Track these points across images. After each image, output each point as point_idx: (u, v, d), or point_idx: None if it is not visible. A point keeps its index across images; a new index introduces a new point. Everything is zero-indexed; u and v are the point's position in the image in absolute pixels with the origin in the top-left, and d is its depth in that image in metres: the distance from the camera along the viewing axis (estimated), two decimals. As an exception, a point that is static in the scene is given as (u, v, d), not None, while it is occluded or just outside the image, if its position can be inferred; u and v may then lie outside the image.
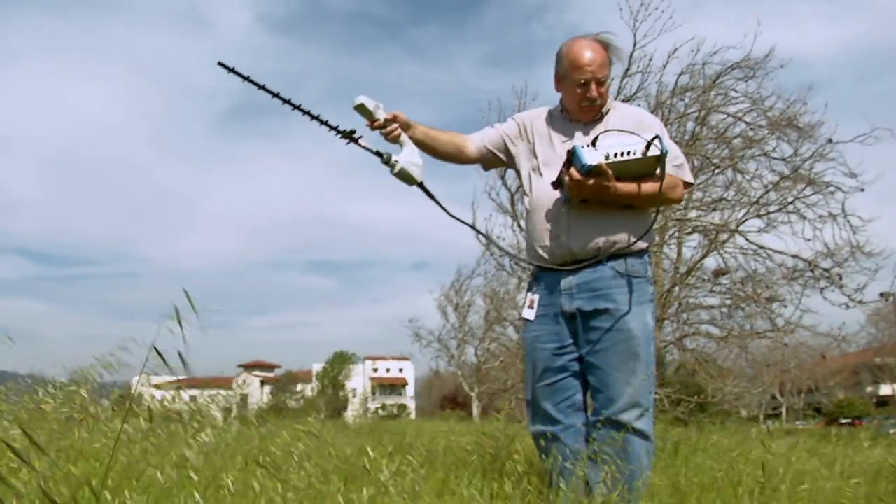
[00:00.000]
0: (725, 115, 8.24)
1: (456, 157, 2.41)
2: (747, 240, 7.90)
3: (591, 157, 2.08)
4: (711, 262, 9.21)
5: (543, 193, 2.29)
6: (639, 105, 7.58)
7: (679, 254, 9.87)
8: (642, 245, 2.25)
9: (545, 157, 2.33)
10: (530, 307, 2.30)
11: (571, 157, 2.13)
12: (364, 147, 2.19)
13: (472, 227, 2.71)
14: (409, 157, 2.23)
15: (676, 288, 9.10)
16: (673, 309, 8.92)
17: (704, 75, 8.41)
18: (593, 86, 2.23)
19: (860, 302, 7.54)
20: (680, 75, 8.40)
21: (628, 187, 2.17)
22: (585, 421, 2.28)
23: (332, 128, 2.16)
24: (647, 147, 2.09)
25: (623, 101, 6.86)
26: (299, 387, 57.48)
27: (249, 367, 64.29)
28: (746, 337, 8.66)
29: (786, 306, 8.36)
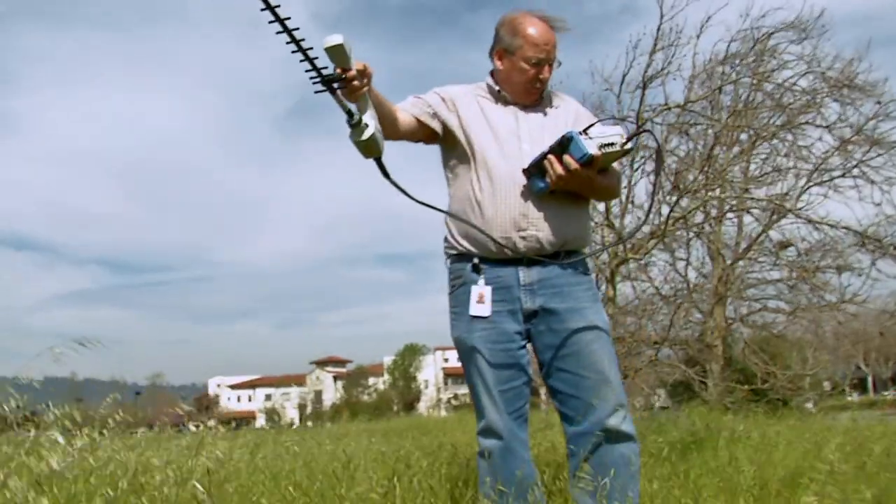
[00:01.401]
0: (779, 83, 7.92)
1: (391, 129, 2.03)
2: (798, 216, 7.60)
3: (590, 147, 1.97)
4: (775, 235, 8.93)
5: (501, 179, 2.06)
6: (672, 80, 7.39)
7: (740, 229, 9.61)
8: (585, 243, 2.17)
9: (487, 138, 2.10)
10: (481, 302, 2.02)
11: (567, 145, 1.98)
12: (339, 100, 1.79)
13: (441, 210, 2.13)
14: (373, 121, 1.84)
15: (739, 263, 8.87)
16: (736, 286, 8.69)
17: (754, 40, 8.12)
18: (546, 67, 2.10)
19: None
20: (730, 42, 8.13)
21: (605, 180, 2.09)
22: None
23: (314, 67, 1.70)
24: (627, 140, 2.04)
25: (652, 77, 6.68)
26: (371, 381, 58.55)
27: (321, 364, 66.02)
28: (814, 310, 8.35)
29: (860, 274, 8.04)
